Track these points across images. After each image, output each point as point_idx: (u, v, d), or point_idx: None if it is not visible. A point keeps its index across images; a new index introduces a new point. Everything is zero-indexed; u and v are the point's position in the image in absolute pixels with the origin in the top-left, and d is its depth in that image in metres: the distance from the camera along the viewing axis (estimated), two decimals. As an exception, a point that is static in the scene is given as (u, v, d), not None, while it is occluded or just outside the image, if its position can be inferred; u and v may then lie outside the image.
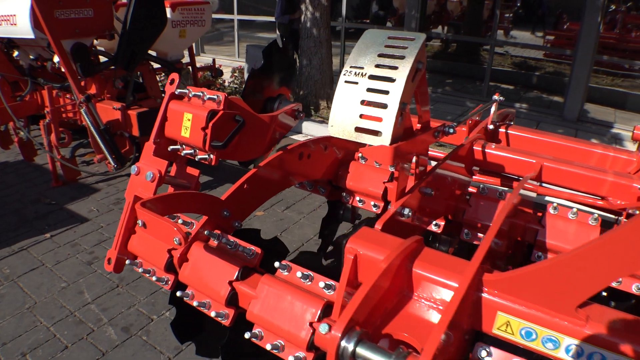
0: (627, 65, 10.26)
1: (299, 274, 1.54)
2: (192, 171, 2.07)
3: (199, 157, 1.88)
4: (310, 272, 1.54)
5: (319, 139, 2.62)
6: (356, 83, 1.45)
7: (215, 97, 1.83)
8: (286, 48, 2.66)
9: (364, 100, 1.44)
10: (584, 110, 8.24)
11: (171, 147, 1.94)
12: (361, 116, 1.44)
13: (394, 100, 1.40)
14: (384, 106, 1.42)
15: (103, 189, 4.49)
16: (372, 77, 1.45)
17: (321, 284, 1.50)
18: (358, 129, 1.45)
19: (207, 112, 1.79)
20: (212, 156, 1.88)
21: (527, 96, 9.89)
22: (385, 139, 1.42)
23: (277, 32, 8.87)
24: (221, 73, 5.71)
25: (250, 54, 6.29)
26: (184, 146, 1.93)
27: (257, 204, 2.20)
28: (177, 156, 2.09)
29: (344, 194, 2.73)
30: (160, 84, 5.26)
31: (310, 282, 1.53)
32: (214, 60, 5.70)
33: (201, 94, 1.88)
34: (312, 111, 6.69)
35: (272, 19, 8.90)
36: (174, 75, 1.97)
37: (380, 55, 1.47)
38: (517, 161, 2.55)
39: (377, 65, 1.45)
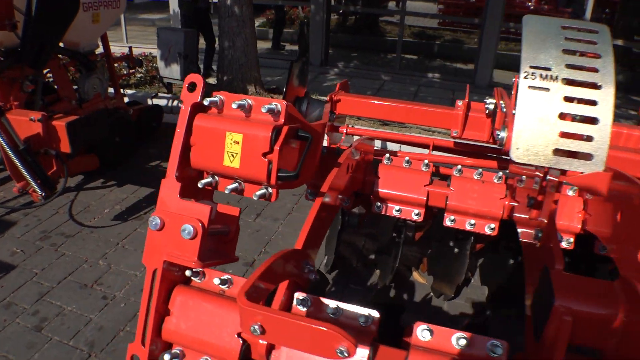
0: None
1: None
2: (229, 209, 1.53)
3: (257, 194, 1.38)
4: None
5: (355, 145, 2.22)
6: (547, 89, 1.08)
7: (274, 106, 1.34)
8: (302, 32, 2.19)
9: (563, 113, 1.08)
10: (494, 76, 8.51)
11: (204, 182, 1.42)
12: (561, 134, 1.08)
13: (605, 112, 1.06)
14: (593, 121, 1.07)
15: (20, 220, 3.54)
16: (567, 81, 1.08)
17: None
18: (557, 152, 1.09)
19: (271, 129, 1.30)
20: (271, 190, 1.40)
21: (437, 65, 10.04)
22: (598, 163, 1.08)
23: (175, 11, 8.03)
24: (140, 63, 4.94)
25: (162, 38, 5.53)
26: (216, 178, 1.42)
27: (321, 241, 1.76)
28: (209, 192, 1.57)
29: (378, 203, 2.36)
30: (73, 82, 4.37)
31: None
32: (130, 48, 4.88)
33: (246, 103, 1.38)
34: (243, 99, 6.12)
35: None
36: (194, 78, 1.42)
37: (565, 52, 1.11)
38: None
39: (569, 66, 1.09)
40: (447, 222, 2.27)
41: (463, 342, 1.20)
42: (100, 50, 4.46)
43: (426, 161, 2.39)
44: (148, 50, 8.03)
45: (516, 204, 2.14)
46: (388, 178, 2.34)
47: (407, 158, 2.40)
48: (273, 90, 6.58)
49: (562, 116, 1.08)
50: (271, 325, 0.95)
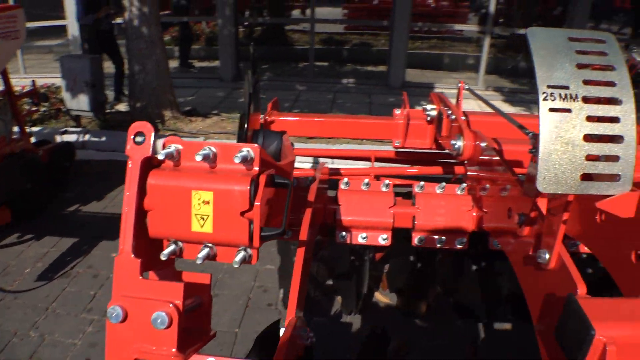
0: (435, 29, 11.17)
1: None
2: (198, 277, 1.30)
3: (237, 260, 1.19)
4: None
5: (320, 176, 2.06)
6: (569, 111, 1.00)
7: (245, 152, 1.16)
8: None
9: (587, 134, 1.00)
10: (406, 76, 8.73)
11: (167, 252, 1.20)
12: (587, 158, 1.00)
13: (629, 129, 1.00)
14: (618, 139, 1.00)
15: None
16: (587, 99, 1.01)
17: None
18: (585, 177, 1.01)
19: (249, 182, 1.12)
20: (251, 252, 1.21)
21: (350, 70, 10.15)
22: (626, 184, 1.01)
23: (74, 35, 7.47)
24: (46, 98, 4.47)
25: (67, 67, 5.06)
26: (179, 244, 1.20)
27: (306, 290, 1.59)
28: (170, 261, 1.34)
29: (343, 232, 2.21)
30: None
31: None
32: (34, 82, 4.39)
33: (210, 153, 1.18)
34: (160, 125, 5.74)
35: (52, 23, 7.56)
36: (141, 126, 1.20)
37: (580, 66, 1.04)
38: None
39: (587, 82, 1.02)
40: (416, 242, 2.18)
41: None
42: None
43: (387, 181, 2.30)
44: (49, 80, 7.40)
45: (484, 214, 2.09)
46: (350, 204, 2.21)
47: (366, 180, 2.29)
48: (190, 112, 6.28)
49: (586, 138, 1.00)
50: None
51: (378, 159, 3.30)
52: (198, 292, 1.28)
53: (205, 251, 1.19)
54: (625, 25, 13.61)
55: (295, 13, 13.15)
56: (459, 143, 2.21)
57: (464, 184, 2.19)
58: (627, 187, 1.01)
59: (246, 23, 11.59)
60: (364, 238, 2.22)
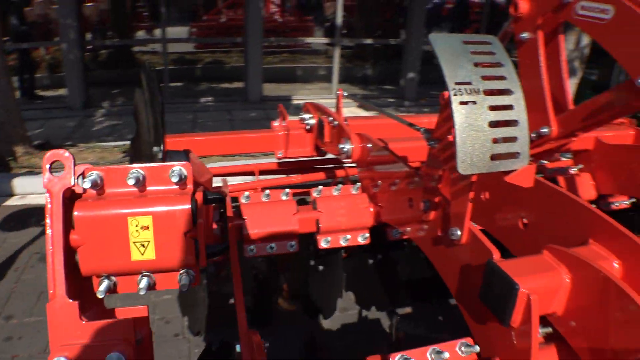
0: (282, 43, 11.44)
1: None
2: (135, 312, 1.26)
3: (184, 283, 1.17)
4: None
5: (225, 187, 2.04)
6: (474, 103, 1.18)
7: (177, 170, 1.16)
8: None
9: (491, 121, 1.19)
10: (263, 90, 8.90)
11: (104, 289, 1.15)
12: (493, 140, 1.18)
13: (521, 114, 1.20)
14: (514, 123, 1.20)
15: None
16: (487, 92, 1.19)
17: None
18: (494, 157, 1.19)
19: (189, 200, 1.14)
20: (194, 272, 1.20)
21: (205, 89, 10.03)
22: (524, 159, 1.21)
23: None
24: None
25: None
26: (112, 279, 1.14)
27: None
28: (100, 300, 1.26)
29: (251, 246, 2.21)
30: None
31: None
32: None
33: (140, 175, 1.17)
34: (12, 162, 5.15)
35: None
36: (57, 155, 1.13)
37: (476, 65, 1.22)
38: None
39: (484, 77, 1.21)
40: (323, 244, 2.28)
41: (437, 355, 1.24)
42: None
43: (287, 190, 2.37)
44: None
45: (381, 208, 2.27)
46: (255, 217, 2.24)
47: (266, 192, 2.34)
48: (42, 146, 5.74)
49: (491, 124, 1.18)
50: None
51: (262, 172, 3.36)
52: (137, 328, 1.23)
53: (145, 280, 1.15)
54: (452, 30, 15.44)
55: (141, 34, 12.66)
56: (347, 146, 2.37)
57: (358, 184, 2.35)
58: (525, 162, 1.21)
59: (90, 47, 10.87)
60: (272, 248, 2.27)
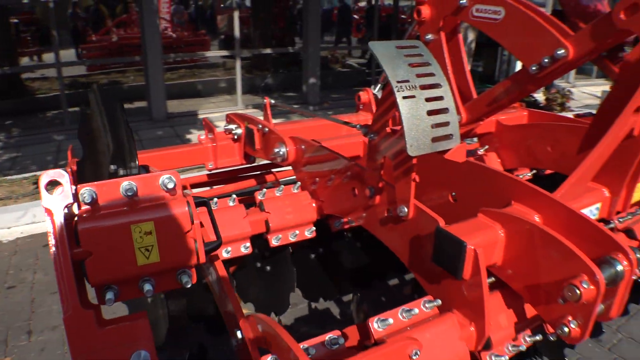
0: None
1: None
2: (135, 317, 1.34)
3: (185, 281, 1.28)
4: None
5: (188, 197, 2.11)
6: (414, 96, 1.41)
7: (167, 179, 1.28)
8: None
9: (431, 109, 1.43)
10: (168, 107, 8.78)
11: (111, 298, 1.22)
12: (432, 126, 1.42)
13: (450, 102, 1.45)
14: (445, 111, 1.44)
15: None
16: (422, 86, 1.43)
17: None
18: (434, 139, 1.43)
19: (185, 204, 1.27)
20: (191, 272, 1.32)
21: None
22: (456, 139, 1.46)
23: None
24: None
25: None
26: (115, 288, 1.23)
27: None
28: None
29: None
30: None
31: None
32: None
33: (134, 186, 1.27)
34: None
35: None
36: (55, 174, 1.20)
37: (411, 65, 1.46)
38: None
39: (419, 75, 1.44)
40: (274, 242, 2.42)
41: (407, 313, 1.46)
42: None
43: (233, 196, 2.48)
44: None
45: (323, 202, 2.46)
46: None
47: (215, 200, 2.43)
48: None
49: (428, 113, 1.42)
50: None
51: (194, 185, 3.43)
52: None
53: (148, 284, 1.25)
54: (338, 35, 16.13)
55: (25, 60, 11.91)
56: (283, 149, 2.54)
57: (298, 183, 2.52)
58: (458, 141, 1.46)
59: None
60: (227, 252, 2.38)
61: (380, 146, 1.72)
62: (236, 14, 8.99)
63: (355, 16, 18.13)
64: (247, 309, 3.07)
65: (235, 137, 3.07)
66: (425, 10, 2.58)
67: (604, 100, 1.96)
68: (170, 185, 1.23)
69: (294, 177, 2.62)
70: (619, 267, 1.35)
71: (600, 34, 1.88)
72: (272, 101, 2.94)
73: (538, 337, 1.64)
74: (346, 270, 2.93)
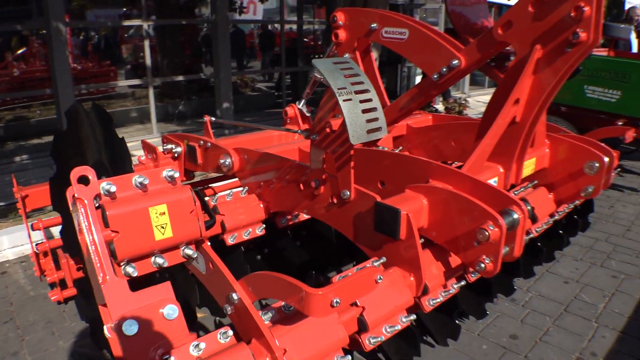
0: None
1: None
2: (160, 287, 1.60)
3: (189, 254, 1.58)
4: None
5: None
6: (351, 99, 1.80)
7: (172, 172, 1.58)
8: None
9: (365, 108, 1.83)
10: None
11: (131, 271, 1.48)
12: (366, 121, 1.83)
13: (377, 103, 1.86)
14: (374, 110, 1.85)
15: None
16: (356, 92, 1.83)
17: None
18: (368, 131, 1.83)
19: (189, 190, 1.59)
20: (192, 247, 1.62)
21: (14, 148, 9.23)
22: (384, 130, 1.87)
23: None
24: None
25: None
26: (133, 265, 1.50)
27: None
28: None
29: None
30: None
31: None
32: None
33: (144, 179, 1.57)
34: None
35: None
36: (84, 170, 1.44)
37: (346, 76, 1.86)
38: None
39: (353, 83, 1.84)
40: (230, 241, 2.70)
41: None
42: None
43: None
44: None
45: (268, 202, 2.78)
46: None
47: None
48: None
49: (363, 111, 1.82)
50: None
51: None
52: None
53: (160, 259, 1.53)
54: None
55: None
56: (228, 160, 2.84)
57: (246, 188, 2.82)
58: (385, 132, 1.86)
59: None
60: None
61: (322, 144, 2.09)
62: (147, 43, 9.09)
63: (259, 41, 18.65)
64: (202, 313, 3.29)
65: (176, 155, 3.30)
66: (342, 34, 3.03)
67: (491, 98, 2.48)
68: (176, 176, 1.52)
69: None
70: (515, 215, 1.82)
71: (484, 46, 2.40)
72: (212, 118, 3.22)
73: (462, 283, 2.08)
74: (290, 267, 3.25)
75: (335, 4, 11.01)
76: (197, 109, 11.06)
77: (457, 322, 2.47)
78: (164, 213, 1.46)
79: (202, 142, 3.12)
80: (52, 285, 3.28)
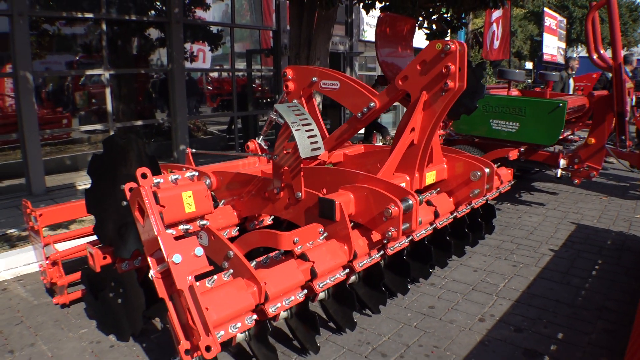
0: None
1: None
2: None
3: (206, 222, 2.46)
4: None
5: None
6: (299, 129, 2.75)
7: (192, 174, 2.50)
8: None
9: (309, 135, 2.78)
10: (46, 182, 9.09)
11: (170, 231, 2.35)
12: (310, 143, 2.78)
13: (317, 132, 2.81)
14: (315, 135, 2.80)
15: None
16: (304, 123, 2.78)
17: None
18: (312, 150, 2.77)
19: (204, 183, 2.48)
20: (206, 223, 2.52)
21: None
22: (322, 149, 2.80)
23: None
24: None
25: None
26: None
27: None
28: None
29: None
30: None
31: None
32: None
33: (177, 176, 2.46)
34: None
35: None
36: (143, 169, 2.30)
37: (296, 115, 2.81)
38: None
39: (301, 119, 2.80)
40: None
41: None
42: None
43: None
44: None
45: (240, 210, 3.64)
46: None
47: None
48: None
49: (308, 136, 2.77)
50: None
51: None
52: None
53: (187, 225, 2.39)
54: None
55: None
56: (208, 181, 3.71)
57: (223, 200, 3.68)
58: (323, 150, 2.81)
59: None
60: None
61: (281, 161, 3.02)
62: (108, 90, 9.83)
63: (210, 87, 19.60)
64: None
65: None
66: (291, 85, 4.03)
67: (397, 128, 3.50)
68: (195, 175, 2.41)
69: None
70: (410, 201, 2.80)
71: (391, 93, 3.44)
72: (194, 150, 4.10)
73: (381, 253, 3.03)
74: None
75: (282, 54, 12.22)
76: (155, 151, 11.77)
77: (383, 290, 3.39)
78: (190, 196, 2.34)
79: (184, 169, 3.97)
80: (54, 293, 3.94)
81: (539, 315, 3.75)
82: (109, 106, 9.73)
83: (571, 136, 7.29)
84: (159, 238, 2.19)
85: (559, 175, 6.43)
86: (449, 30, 9.44)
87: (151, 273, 2.26)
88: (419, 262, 3.95)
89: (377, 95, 3.52)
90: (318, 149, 2.77)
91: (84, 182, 9.61)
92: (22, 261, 4.86)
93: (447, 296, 4.05)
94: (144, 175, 2.31)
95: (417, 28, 6.55)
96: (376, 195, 2.81)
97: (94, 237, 4.04)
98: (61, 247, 3.99)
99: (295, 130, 2.69)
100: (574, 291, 4.16)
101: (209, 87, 19.57)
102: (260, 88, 18.16)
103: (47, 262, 3.81)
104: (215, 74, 21.34)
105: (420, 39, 7.09)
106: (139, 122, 11.26)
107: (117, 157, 2.75)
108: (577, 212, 6.59)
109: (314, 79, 3.81)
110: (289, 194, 3.05)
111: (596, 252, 5.08)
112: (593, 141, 6.45)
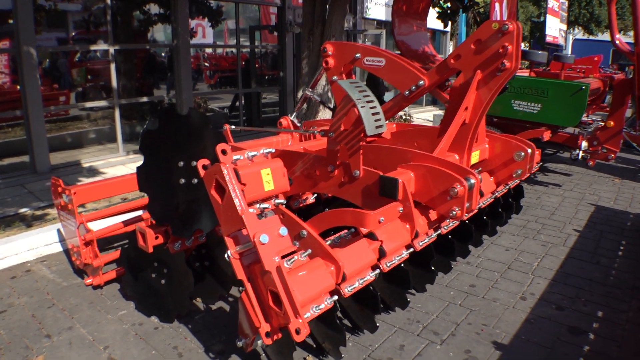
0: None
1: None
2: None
3: (280, 201, 2.43)
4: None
5: None
6: (364, 106, 2.70)
7: (267, 151, 2.47)
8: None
9: (373, 112, 2.73)
10: (51, 160, 8.94)
11: (264, 206, 2.31)
12: (375, 120, 2.73)
13: (379, 108, 2.77)
14: (378, 113, 2.76)
15: None
16: (367, 100, 2.73)
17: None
18: (376, 127, 2.73)
19: (280, 161, 2.43)
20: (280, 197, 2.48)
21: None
22: (385, 127, 2.76)
23: None
24: None
25: None
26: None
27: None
28: None
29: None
30: None
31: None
32: None
33: (249, 154, 2.43)
34: None
35: None
36: (223, 146, 2.25)
37: (359, 91, 2.76)
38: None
39: (361, 91, 2.74)
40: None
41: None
42: None
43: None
44: None
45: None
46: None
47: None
48: None
49: (372, 113, 2.72)
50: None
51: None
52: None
53: (266, 204, 2.35)
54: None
55: None
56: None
57: None
58: (385, 129, 2.77)
59: None
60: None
61: (337, 139, 2.98)
62: (113, 66, 9.65)
63: (206, 64, 19.30)
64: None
65: None
66: (331, 61, 3.96)
67: (446, 110, 3.47)
68: (272, 151, 2.37)
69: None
70: (472, 181, 2.78)
71: (442, 71, 3.39)
72: (232, 127, 4.03)
73: (439, 232, 3.02)
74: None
75: (287, 30, 12.05)
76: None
77: (432, 269, 3.40)
78: (269, 174, 2.30)
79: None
80: (85, 274, 3.83)
81: (576, 293, 3.79)
82: (114, 82, 9.56)
83: (585, 118, 7.31)
84: (243, 217, 2.15)
85: (580, 157, 6.45)
86: (460, 10, 9.32)
87: (228, 253, 2.22)
88: (458, 242, 3.96)
89: (427, 73, 3.47)
90: (381, 126, 2.73)
91: (88, 159, 9.49)
92: (44, 241, 4.71)
93: (486, 275, 4.07)
94: (224, 152, 2.25)
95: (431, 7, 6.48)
96: (439, 174, 2.79)
97: (128, 216, 4.00)
98: (93, 226, 3.87)
99: (361, 107, 2.64)
100: (605, 270, 4.21)
101: (206, 64, 19.29)
102: (264, 64, 17.97)
103: (82, 241, 3.70)
104: (209, 50, 21.02)
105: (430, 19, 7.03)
106: (144, 99, 11.10)
107: (177, 131, 2.68)
108: (593, 193, 6.64)
109: (357, 55, 3.75)
110: (345, 171, 3.02)
111: (618, 233, 5.13)
112: (612, 124, 6.48)
